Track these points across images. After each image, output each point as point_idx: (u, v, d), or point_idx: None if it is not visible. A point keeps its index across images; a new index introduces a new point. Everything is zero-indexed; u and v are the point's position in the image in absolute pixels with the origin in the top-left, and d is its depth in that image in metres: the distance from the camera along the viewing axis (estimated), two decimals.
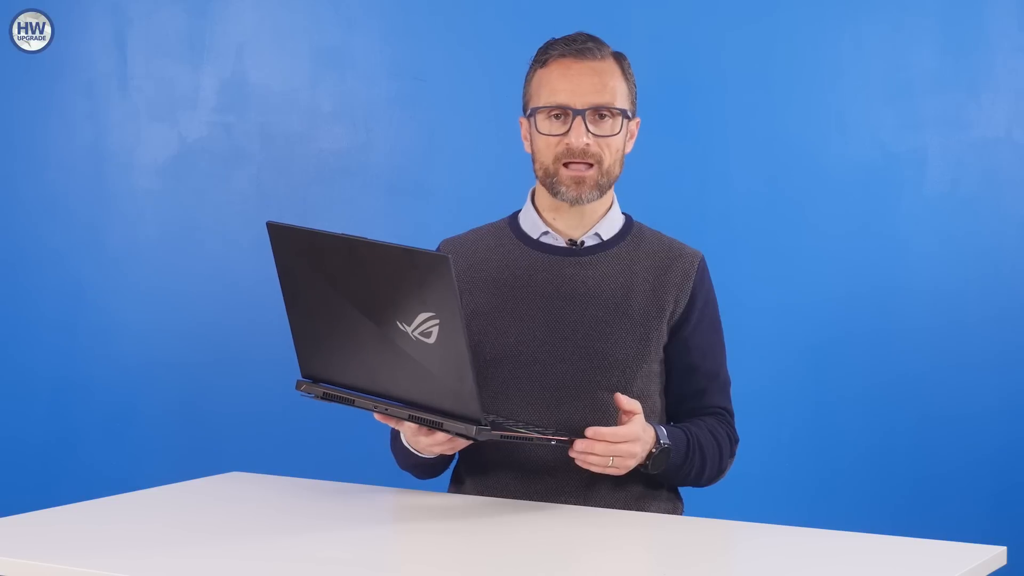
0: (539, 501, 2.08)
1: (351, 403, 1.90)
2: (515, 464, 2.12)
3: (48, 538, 1.78)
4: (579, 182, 2.11)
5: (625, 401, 2.00)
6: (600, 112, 2.10)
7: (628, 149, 2.17)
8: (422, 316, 1.78)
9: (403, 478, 2.22)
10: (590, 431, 1.96)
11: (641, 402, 2.12)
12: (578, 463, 1.98)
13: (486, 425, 1.81)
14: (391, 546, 1.85)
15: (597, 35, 2.17)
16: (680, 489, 2.22)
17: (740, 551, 1.86)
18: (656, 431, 2.04)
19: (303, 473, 2.27)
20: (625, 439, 1.97)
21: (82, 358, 3.24)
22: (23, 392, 3.24)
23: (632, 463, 2.00)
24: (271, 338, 3.04)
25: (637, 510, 2.09)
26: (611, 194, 2.20)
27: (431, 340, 1.78)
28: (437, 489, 2.20)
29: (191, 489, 2.13)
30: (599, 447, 1.96)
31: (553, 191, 2.13)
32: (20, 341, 3.25)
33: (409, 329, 1.80)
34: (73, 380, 3.24)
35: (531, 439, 1.92)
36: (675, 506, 2.18)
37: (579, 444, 1.96)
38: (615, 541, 1.84)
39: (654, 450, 2.02)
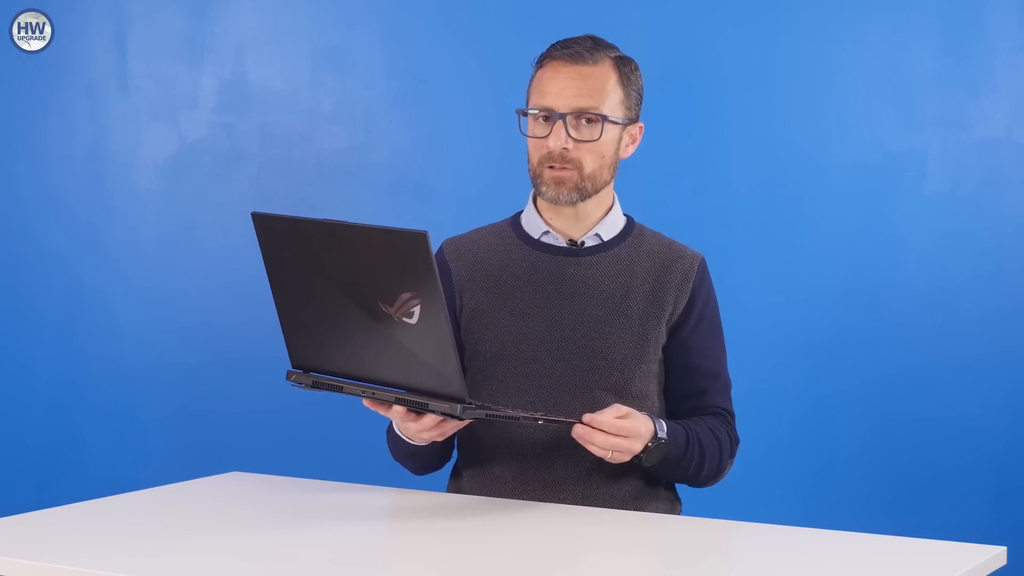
0: (537, 494, 2.09)
1: (340, 390, 1.89)
2: (513, 457, 2.13)
3: (48, 538, 1.78)
4: (558, 183, 2.11)
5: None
6: (584, 116, 2.10)
7: (625, 154, 2.17)
8: (403, 296, 1.77)
9: (402, 478, 2.22)
10: (587, 417, 1.97)
11: (640, 402, 2.13)
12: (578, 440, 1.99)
13: (471, 403, 1.80)
14: (390, 546, 1.86)
15: (597, 35, 2.16)
16: (678, 488, 2.23)
17: (739, 551, 1.86)
18: (655, 425, 2.04)
19: (303, 473, 2.27)
20: (625, 433, 1.98)
21: (82, 358, 3.24)
22: (23, 392, 3.24)
23: (627, 458, 2.01)
24: (271, 338, 3.02)
25: (635, 509, 2.10)
26: (611, 195, 2.20)
27: (413, 320, 1.77)
28: (436, 481, 2.20)
29: (191, 489, 2.13)
30: (598, 438, 1.97)
31: (538, 191, 2.15)
32: (20, 341, 3.25)
33: (392, 310, 1.79)
34: (73, 380, 3.24)
35: (518, 418, 1.91)
36: (673, 506, 2.19)
37: (579, 429, 1.97)
38: (613, 541, 1.84)
39: (650, 444, 2.03)
